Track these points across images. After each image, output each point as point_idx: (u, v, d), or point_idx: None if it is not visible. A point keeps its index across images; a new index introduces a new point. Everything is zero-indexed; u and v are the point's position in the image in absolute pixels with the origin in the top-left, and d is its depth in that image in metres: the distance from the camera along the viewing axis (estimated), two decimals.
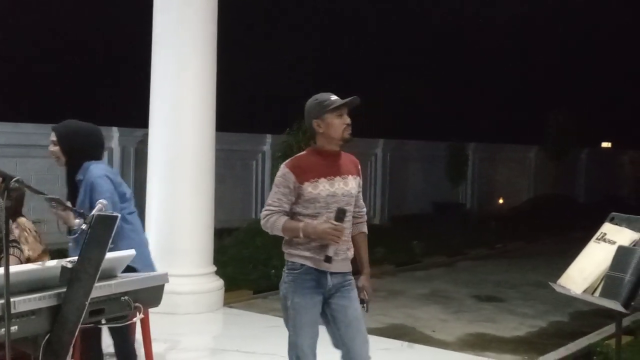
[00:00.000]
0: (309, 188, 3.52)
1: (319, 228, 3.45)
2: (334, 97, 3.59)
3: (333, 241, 3.45)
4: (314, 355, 3.61)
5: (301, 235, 3.49)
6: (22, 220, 4.16)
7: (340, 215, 3.48)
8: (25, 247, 4.02)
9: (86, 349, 4.00)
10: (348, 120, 3.57)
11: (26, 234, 4.07)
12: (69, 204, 3.65)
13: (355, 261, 3.75)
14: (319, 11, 19.65)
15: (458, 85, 21.28)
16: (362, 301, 3.67)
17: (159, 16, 6.76)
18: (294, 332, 3.59)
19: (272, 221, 3.52)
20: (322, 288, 3.56)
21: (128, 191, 4.25)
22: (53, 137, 4.18)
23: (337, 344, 3.64)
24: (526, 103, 21.82)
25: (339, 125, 3.56)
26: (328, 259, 3.48)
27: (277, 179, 3.59)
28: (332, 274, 3.56)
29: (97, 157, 4.19)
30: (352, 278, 3.69)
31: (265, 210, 3.57)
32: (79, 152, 4.12)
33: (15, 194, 4.03)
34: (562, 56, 23.76)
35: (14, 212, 4.08)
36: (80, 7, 15.14)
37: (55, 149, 4.16)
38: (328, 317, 3.62)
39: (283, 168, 3.58)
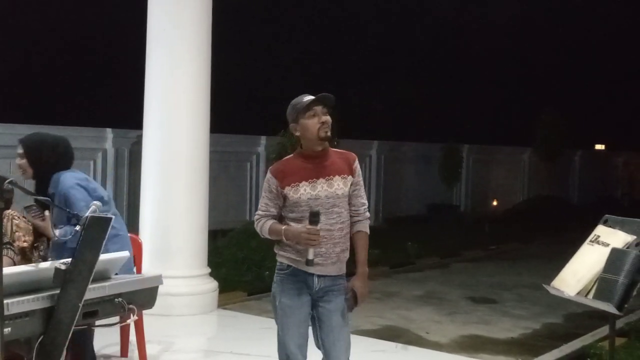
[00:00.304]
0: (290, 192, 3.53)
1: (295, 232, 3.46)
2: (306, 98, 3.55)
3: (309, 244, 3.43)
4: (304, 355, 3.61)
5: (284, 238, 3.53)
6: (6, 211, 4.11)
7: (313, 218, 3.42)
8: (20, 234, 3.98)
9: (79, 351, 3.98)
10: (323, 118, 3.49)
11: (16, 221, 4.04)
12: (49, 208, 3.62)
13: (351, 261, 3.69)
14: (315, 12, 19.67)
15: (452, 87, 21.32)
16: (347, 300, 3.59)
17: (153, 16, 6.74)
18: (282, 332, 3.62)
19: (260, 225, 3.61)
20: (308, 289, 3.57)
21: (105, 194, 4.18)
22: (20, 150, 4.10)
23: (318, 345, 3.67)
24: (520, 105, 21.88)
25: (313, 125, 3.50)
26: (309, 262, 3.46)
27: (264, 183, 3.67)
28: (319, 276, 3.55)
29: (66, 167, 4.11)
30: (343, 282, 3.63)
31: (255, 215, 3.68)
32: (46, 164, 4.05)
33: (8, 196, 3.99)
34: (557, 58, 23.83)
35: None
36: (74, 8, 15.12)
37: (22, 162, 4.09)
38: (314, 318, 3.63)
39: (268, 173, 3.63)
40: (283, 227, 3.52)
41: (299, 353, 3.58)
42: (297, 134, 3.58)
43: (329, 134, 3.49)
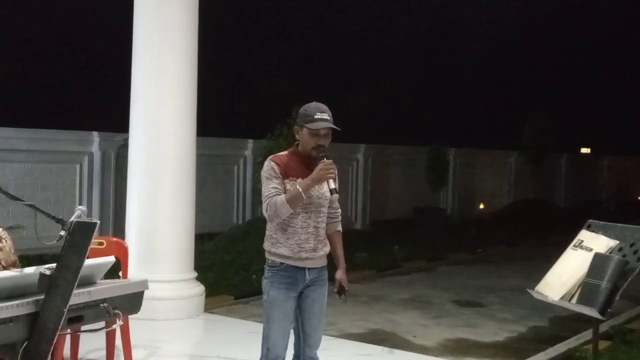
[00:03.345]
0: (287, 185, 3.70)
1: (313, 177, 3.61)
2: (318, 115, 3.70)
3: (329, 177, 3.61)
4: (284, 348, 3.81)
5: (303, 195, 3.62)
6: None
7: (321, 153, 3.65)
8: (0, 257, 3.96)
9: None
10: (321, 141, 3.70)
11: (1, 244, 4.01)
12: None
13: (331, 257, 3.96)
14: (302, 16, 19.68)
15: (439, 90, 21.38)
16: (339, 293, 3.89)
17: (139, 19, 6.74)
18: (266, 324, 3.81)
19: (274, 202, 3.64)
20: (298, 285, 3.78)
21: None
22: None
23: (296, 328, 3.88)
24: (507, 108, 21.98)
25: (310, 142, 3.72)
26: (333, 191, 3.66)
27: (266, 173, 3.74)
28: (309, 269, 3.78)
29: None
30: (326, 273, 3.90)
31: (265, 201, 3.69)
32: None
33: None
34: (543, 62, 23.96)
35: None
36: (60, 11, 15.05)
37: None
38: (298, 305, 3.83)
39: (269, 162, 3.76)
40: (295, 188, 3.62)
41: (280, 346, 3.78)
42: (297, 137, 3.80)
43: (320, 154, 3.67)
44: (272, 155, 3.84)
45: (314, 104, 3.77)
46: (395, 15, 21.17)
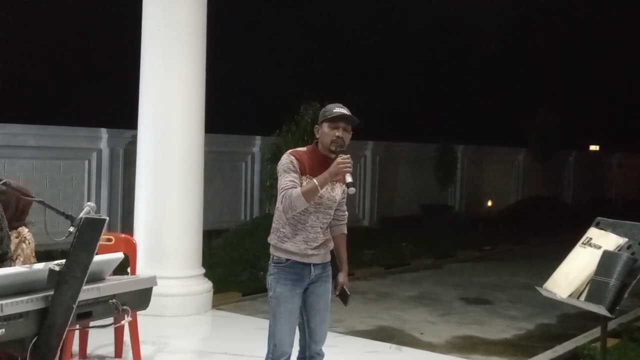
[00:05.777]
0: (304, 182, 3.70)
1: (330, 170, 3.61)
2: (337, 110, 3.76)
3: (347, 171, 3.61)
4: (291, 344, 3.82)
5: (319, 189, 3.63)
6: (24, 230, 4.12)
7: (339, 148, 3.67)
8: (20, 259, 3.98)
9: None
10: (339, 133, 3.72)
11: (24, 246, 4.03)
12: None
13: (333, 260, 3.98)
14: (311, 12, 19.67)
15: (448, 87, 21.35)
16: (343, 295, 3.93)
17: (148, 16, 6.75)
18: (273, 321, 3.82)
19: (289, 194, 3.62)
20: (304, 281, 3.79)
21: None
22: None
23: (301, 324, 3.89)
24: (515, 105, 21.92)
25: (329, 135, 3.73)
26: (350, 184, 3.64)
27: (284, 166, 3.73)
28: (315, 265, 3.80)
29: None
30: (330, 268, 3.92)
31: (280, 193, 3.68)
32: None
33: (23, 203, 4.00)
34: (552, 59, 23.88)
35: (18, 219, 4.04)
36: (69, 7, 15.10)
37: None
38: (303, 301, 3.84)
39: (288, 156, 3.76)
40: (312, 181, 3.62)
41: (287, 342, 3.79)
42: (317, 135, 3.82)
43: (338, 149, 3.68)
44: (291, 150, 3.85)
45: (334, 104, 3.84)
46: (403, 13, 21.14)
